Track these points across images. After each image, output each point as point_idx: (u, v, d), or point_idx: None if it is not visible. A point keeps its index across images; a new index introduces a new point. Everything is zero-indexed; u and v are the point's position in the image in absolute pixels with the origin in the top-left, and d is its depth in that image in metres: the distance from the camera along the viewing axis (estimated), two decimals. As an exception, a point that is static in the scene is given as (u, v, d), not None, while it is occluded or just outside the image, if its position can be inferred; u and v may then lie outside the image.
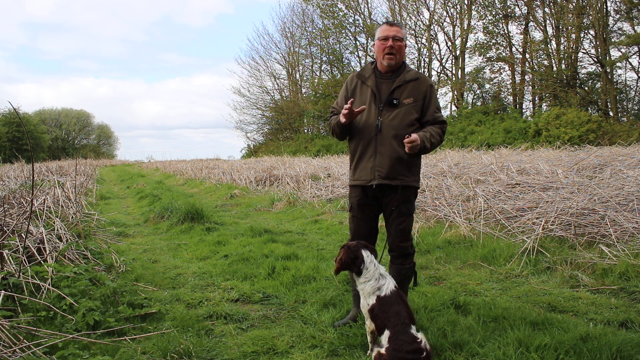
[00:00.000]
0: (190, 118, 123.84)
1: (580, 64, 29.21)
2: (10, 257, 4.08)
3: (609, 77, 27.29)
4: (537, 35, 31.05)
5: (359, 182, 3.48)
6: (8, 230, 4.54)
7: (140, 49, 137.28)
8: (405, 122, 3.37)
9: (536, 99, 32.08)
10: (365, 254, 3.02)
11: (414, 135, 3.25)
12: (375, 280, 2.93)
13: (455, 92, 34.59)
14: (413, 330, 2.69)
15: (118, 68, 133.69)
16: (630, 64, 28.39)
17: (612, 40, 27.38)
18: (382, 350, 2.62)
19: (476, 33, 33.38)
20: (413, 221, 3.59)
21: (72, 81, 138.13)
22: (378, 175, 3.37)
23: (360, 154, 3.48)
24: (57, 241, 4.94)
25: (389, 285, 2.92)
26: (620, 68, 28.42)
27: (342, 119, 3.38)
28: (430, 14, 34.79)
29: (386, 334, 2.70)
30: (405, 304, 2.86)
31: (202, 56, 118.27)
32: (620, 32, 27.82)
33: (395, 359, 2.56)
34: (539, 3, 30.13)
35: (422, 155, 3.63)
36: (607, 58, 26.92)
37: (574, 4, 27.96)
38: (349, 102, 3.33)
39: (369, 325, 2.94)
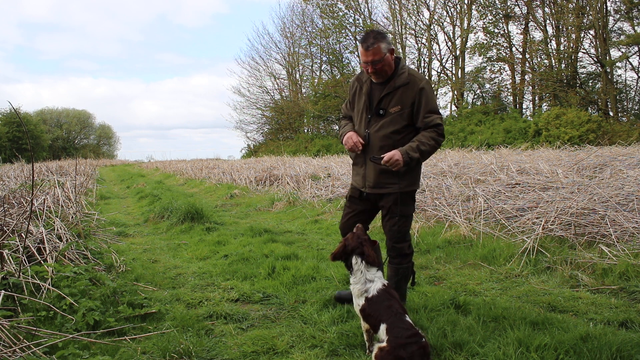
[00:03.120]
0: (188, 118, 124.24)
1: (580, 63, 29.27)
2: (10, 257, 4.07)
3: (609, 77, 27.30)
4: (537, 35, 31.13)
5: (355, 185, 3.63)
6: (8, 230, 4.54)
7: (137, 49, 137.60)
8: (389, 132, 3.33)
9: (536, 99, 32.11)
10: (355, 260, 3.03)
11: (388, 155, 3.21)
12: (362, 284, 2.98)
13: (455, 92, 34.59)
14: (408, 318, 2.72)
15: (115, 68, 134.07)
16: (630, 63, 28.46)
17: (612, 40, 27.40)
18: (383, 344, 2.63)
19: (476, 33, 33.46)
20: (410, 222, 3.58)
21: (70, 81, 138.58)
22: (368, 185, 3.47)
23: (354, 161, 3.60)
24: (57, 241, 4.94)
25: (375, 286, 2.95)
26: (620, 68, 28.51)
27: (346, 147, 3.48)
28: (430, 13, 34.84)
29: (383, 327, 2.70)
30: (395, 299, 2.88)
31: (198, 56, 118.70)
32: (620, 32, 27.88)
33: (396, 346, 2.56)
34: (539, 3, 30.15)
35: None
36: (607, 58, 26.93)
37: (574, 4, 27.97)
38: (360, 144, 3.39)
39: (364, 325, 2.97)
